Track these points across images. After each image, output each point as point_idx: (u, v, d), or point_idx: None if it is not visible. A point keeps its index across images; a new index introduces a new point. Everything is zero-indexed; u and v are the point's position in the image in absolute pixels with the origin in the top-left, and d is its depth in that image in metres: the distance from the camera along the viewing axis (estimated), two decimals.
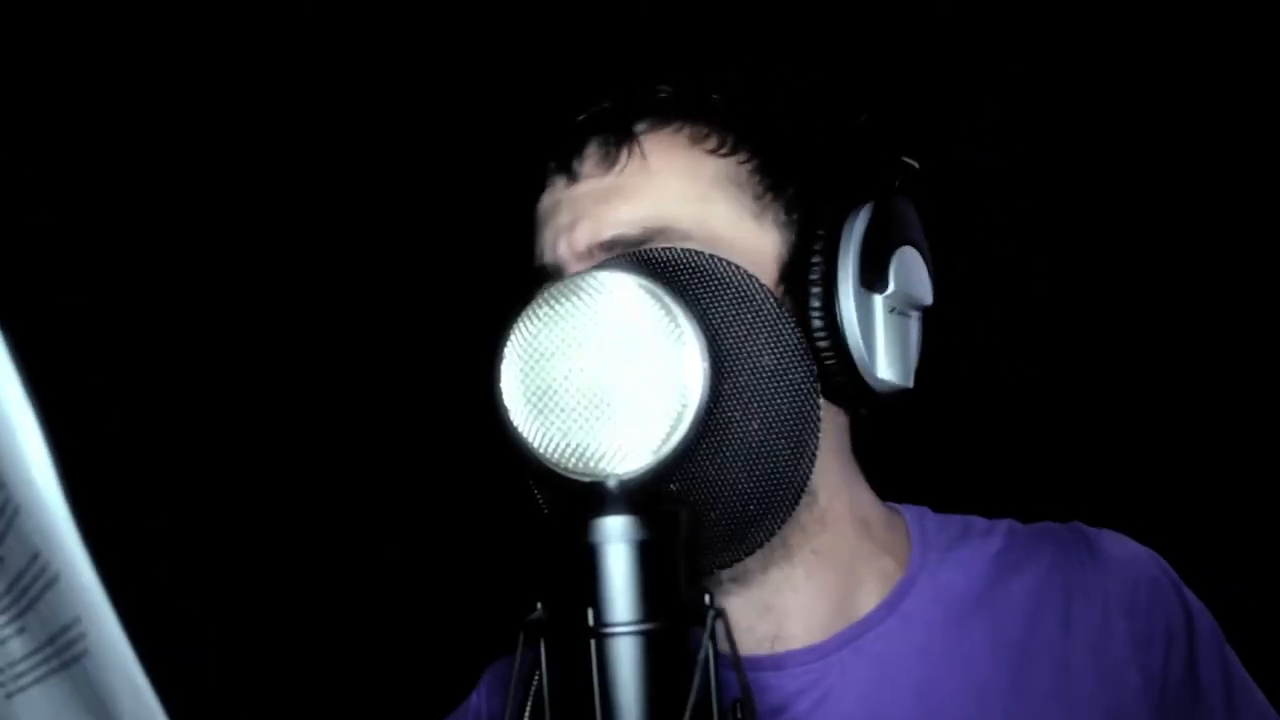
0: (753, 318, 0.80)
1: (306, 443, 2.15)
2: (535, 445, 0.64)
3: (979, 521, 1.03)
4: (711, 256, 0.81)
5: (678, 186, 0.90)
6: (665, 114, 0.92)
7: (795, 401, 0.80)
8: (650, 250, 0.84)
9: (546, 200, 0.94)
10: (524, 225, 0.97)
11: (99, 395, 1.97)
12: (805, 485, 0.81)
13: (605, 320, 0.63)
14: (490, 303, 0.73)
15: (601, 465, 0.63)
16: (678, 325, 0.63)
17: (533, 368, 0.64)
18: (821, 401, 0.88)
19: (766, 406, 0.79)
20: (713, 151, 0.91)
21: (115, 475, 1.86)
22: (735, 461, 0.79)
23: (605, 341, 0.63)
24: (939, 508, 1.05)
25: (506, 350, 0.64)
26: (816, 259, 0.87)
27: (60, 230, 2.00)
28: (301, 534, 2.13)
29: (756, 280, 0.80)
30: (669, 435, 0.62)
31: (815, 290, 0.87)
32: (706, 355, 0.63)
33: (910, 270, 0.91)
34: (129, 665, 0.53)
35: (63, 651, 0.56)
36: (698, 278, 0.80)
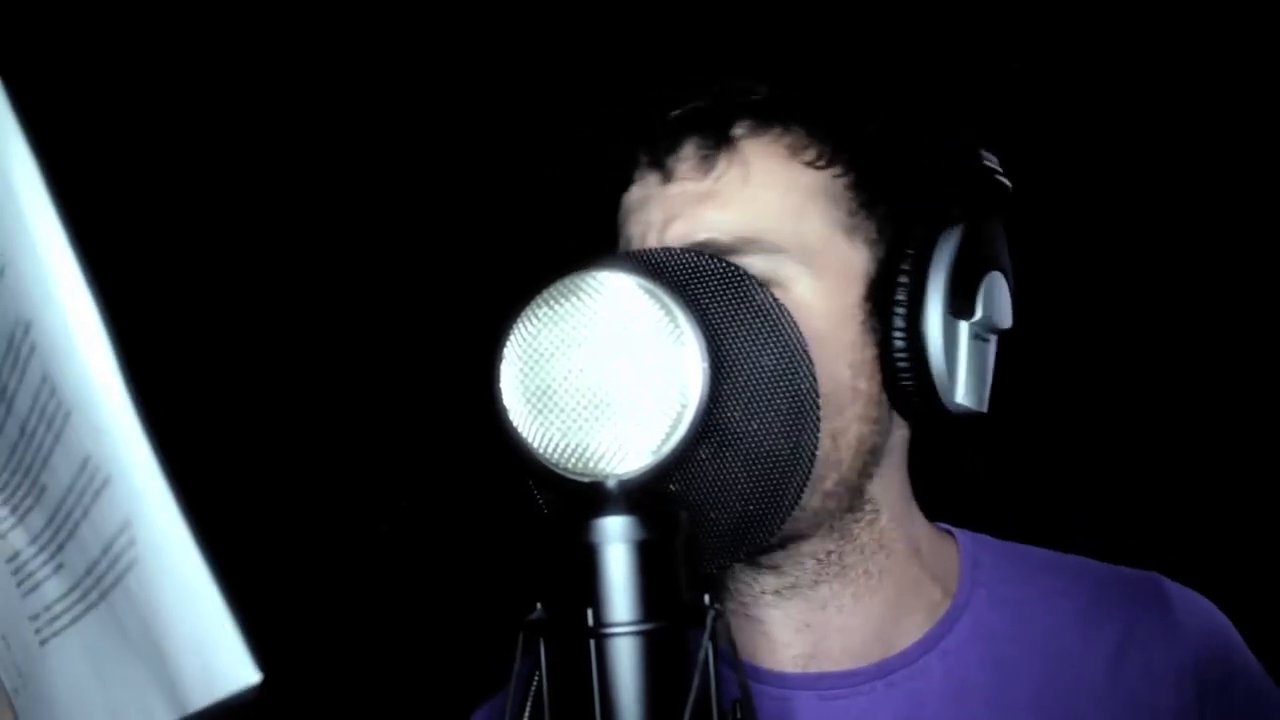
0: (753, 318, 0.79)
1: (306, 441, 2.15)
2: (535, 445, 0.64)
3: (1042, 555, 1.01)
4: (712, 257, 0.81)
5: (775, 197, 0.89)
6: (764, 118, 0.90)
7: (795, 402, 0.79)
8: (651, 251, 0.84)
9: (636, 194, 0.92)
10: (602, 211, 0.95)
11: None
12: (805, 486, 0.80)
13: (605, 320, 0.63)
14: (490, 302, 0.73)
15: (601, 465, 0.63)
16: (677, 325, 0.63)
17: (532, 368, 0.64)
18: (892, 417, 0.91)
19: (766, 407, 0.79)
20: (810, 163, 0.90)
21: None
22: (735, 462, 0.78)
23: (605, 342, 0.63)
24: (987, 530, 1.02)
25: (506, 350, 0.65)
26: (904, 279, 0.87)
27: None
28: (301, 536, 2.13)
29: (756, 281, 0.80)
30: (669, 435, 0.63)
31: (900, 311, 0.87)
32: (706, 355, 0.63)
33: (995, 295, 0.91)
34: (187, 560, 0.49)
35: (103, 577, 0.53)
36: (698, 278, 0.80)
